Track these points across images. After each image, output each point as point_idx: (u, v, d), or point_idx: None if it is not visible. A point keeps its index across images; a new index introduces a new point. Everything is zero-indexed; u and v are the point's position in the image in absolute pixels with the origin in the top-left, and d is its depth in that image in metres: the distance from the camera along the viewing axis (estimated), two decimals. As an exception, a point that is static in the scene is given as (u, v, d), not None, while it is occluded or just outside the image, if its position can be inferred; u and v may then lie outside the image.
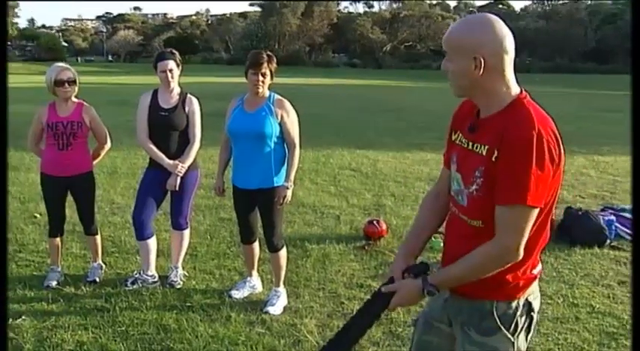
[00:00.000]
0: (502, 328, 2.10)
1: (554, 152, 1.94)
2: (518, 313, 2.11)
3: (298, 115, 4.39)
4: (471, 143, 2.10)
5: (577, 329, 4.18)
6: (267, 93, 4.22)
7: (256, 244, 4.59)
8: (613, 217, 6.32)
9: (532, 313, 2.15)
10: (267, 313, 4.26)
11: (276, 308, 4.31)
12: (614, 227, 6.21)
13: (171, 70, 4.55)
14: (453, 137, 2.24)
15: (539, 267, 2.18)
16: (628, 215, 6.50)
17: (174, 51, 4.80)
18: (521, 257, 2.00)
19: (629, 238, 6.17)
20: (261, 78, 4.11)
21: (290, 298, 4.52)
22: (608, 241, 6.05)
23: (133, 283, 4.67)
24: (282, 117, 4.20)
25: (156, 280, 4.73)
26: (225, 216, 6.54)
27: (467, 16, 2.11)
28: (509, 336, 2.10)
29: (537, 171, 1.90)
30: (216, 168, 4.64)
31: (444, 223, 2.33)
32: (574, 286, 4.97)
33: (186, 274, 4.92)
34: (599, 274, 5.25)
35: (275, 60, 4.22)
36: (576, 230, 6.12)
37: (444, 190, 2.32)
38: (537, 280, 2.19)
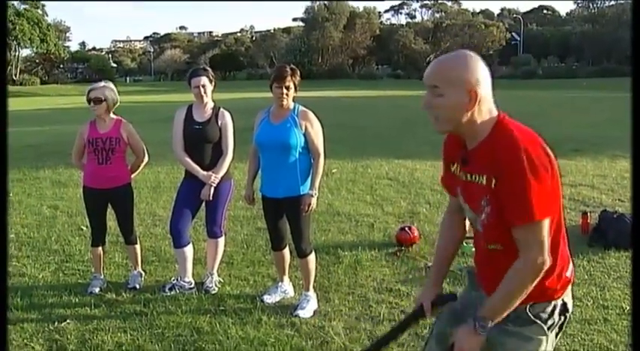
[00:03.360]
0: (537, 321, 2.19)
1: (545, 162, 2.05)
2: (557, 311, 2.21)
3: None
4: (468, 175, 2.21)
5: (605, 331, 4.19)
6: (291, 105, 4.40)
7: (286, 251, 4.76)
8: (650, 220, 6.27)
9: (567, 313, 2.25)
10: (296, 316, 4.40)
11: (305, 311, 4.46)
12: (650, 230, 6.15)
13: (204, 86, 4.77)
14: (452, 169, 2.35)
15: (571, 268, 2.29)
16: (666, 218, 6.44)
17: (207, 67, 5.05)
18: (550, 262, 2.10)
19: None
20: (285, 91, 4.29)
21: (320, 302, 4.67)
22: (644, 243, 6.00)
23: (170, 289, 4.88)
24: (306, 128, 4.37)
25: (192, 286, 4.94)
26: (262, 226, 6.65)
27: (449, 53, 2.19)
28: (545, 329, 2.20)
29: (536, 185, 2.01)
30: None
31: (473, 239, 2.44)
32: (605, 288, 4.97)
33: (222, 280, 5.11)
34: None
35: (299, 73, 4.40)
36: (611, 233, 6.09)
37: (455, 210, 2.46)
38: (571, 283, 2.29)
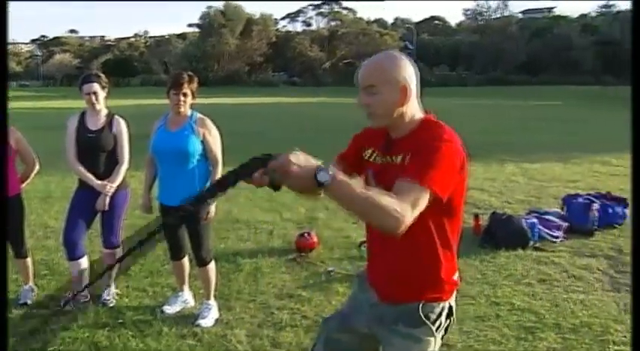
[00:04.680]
0: (427, 322, 2.26)
1: (460, 159, 2.15)
2: (444, 314, 2.29)
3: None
4: (387, 157, 2.27)
5: (497, 326, 4.39)
6: (189, 112, 4.35)
7: (186, 260, 4.69)
8: (535, 220, 6.63)
9: (452, 316, 2.34)
10: (198, 326, 4.35)
11: (207, 321, 4.41)
12: (536, 229, 6.51)
13: (95, 93, 4.63)
14: (366, 155, 2.39)
15: (457, 273, 2.37)
16: (550, 218, 6.84)
17: (99, 73, 4.89)
18: (402, 231, 1.91)
19: (551, 239, 6.49)
20: (182, 98, 4.24)
21: (221, 310, 4.63)
22: (531, 242, 6.34)
23: (65, 304, 4.70)
24: (204, 135, 4.33)
25: (88, 299, 4.78)
26: (160, 235, 6.58)
27: (382, 52, 2.31)
28: (433, 330, 2.27)
29: (444, 165, 2.07)
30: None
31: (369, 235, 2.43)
32: (497, 286, 5.20)
33: (119, 292, 4.97)
34: (521, 274, 5.51)
35: (196, 80, 4.36)
36: (500, 233, 6.40)
37: None
38: (456, 288, 2.37)
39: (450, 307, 2.33)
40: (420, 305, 2.25)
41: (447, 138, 2.13)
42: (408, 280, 2.28)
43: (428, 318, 2.26)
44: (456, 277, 2.35)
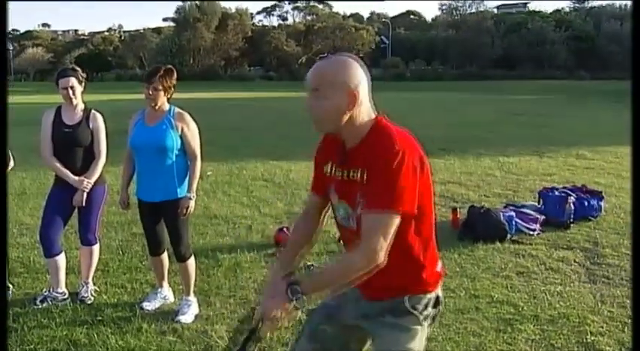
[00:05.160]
0: (414, 312, 2.29)
1: (416, 163, 2.13)
2: (430, 304, 2.32)
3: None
4: (345, 172, 2.25)
5: (477, 318, 4.43)
6: (166, 106, 4.31)
7: (165, 256, 4.66)
8: (513, 214, 6.69)
9: (439, 306, 2.38)
10: (178, 322, 4.32)
11: (187, 317, 4.39)
12: (514, 222, 6.56)
13: (72, 87, 4.57)
14: (326, 170, 2.37)
15: (440, 264, 2.41)
16: (527, 211, 6.91)
17: (76, 67, 4.83)
18: (384, 261, 2.10)
19: (528, 231, 6.55)
20: (152, 92, 4.19)
21: (201, 306, 4.60)
22: (509, 235, 6.39)
23: (42, 302, 4.64)
24: (182, 129, 4.30)
25: (66, 297, 4.72)
26: (138, 231, 6.49)
27: (331, 56, 2.26)
28: (420, 319, 2.30)
29: (399, 181, 2.07)
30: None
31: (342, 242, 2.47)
32: (475, 279, 5.24)
33: (97, 289, 4.92)
34: (499, 267, 5.55)
35: (173, 75, 4.30)
36: (479, 227, 6.45)
37: (312, 210, 2.52)
38: (441, 277, 2.41)
39: (437, 297, 2.36)
40: (406, 298, 2.28)
41: (398, 149, 2.10)
42: (387, 283, 2.26)
43: (415, 308, 2.29)
44: (439, 268, 2.39)
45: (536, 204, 7.37)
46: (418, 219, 2.23)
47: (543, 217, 6.83)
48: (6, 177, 4.38)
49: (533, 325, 4.31)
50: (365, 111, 2.21)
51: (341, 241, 5.99)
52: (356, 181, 2.18)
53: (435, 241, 2.37)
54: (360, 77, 2.18)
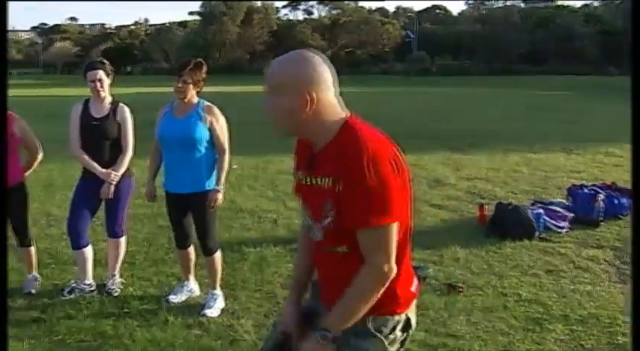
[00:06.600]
0: (378, 335, 2.09)
1: (394, 164, 1.97)
2: (398, 327, 2.12)
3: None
4: (312, 179, 2.07)
5: (505, 317, 4.38)
6: (195, 99, 4.30)
7: (191, 249, 4.66)
8: (541, 211, 6.59)
9: (409, 329, 2.17)
10: (204, 315, 4.33)
11: (213, 310, 4.39)
12: (542, 220, 6.48)
13: (100, 80, 4.58)
14: (297, 176, 2.19)
15: (415, 283, 2.21)
16: (555, 208, 6.80)
17: (104, 60, 4.84)
18: (395, 271, 2.00)
19: (556, 229, 6.45)
20: (181, 84, 4.18)
21: (227, 300, 4.61)
22: (537, 233, 6.31)
23: (69, 293, 4.68)
24: (211, 123, 4.29)
25: (93, 288, 4.75)
26: (164, 224, 6.52)
27: (286, 54, 2.07)
28: (386, 344, 2.10)
29: (381, 189, 1.91)
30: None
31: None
32: (503, 277, 5.18)
33: (124, 281, 4.94)
34: (527, 265, 5.48)
35: (203, 68, 4.29)
36: (506, 224, 6.37)
37: (307, 241, 2.28)
38: (416, 298, 2.21)
39: (407, 320, 2.15)
40: (369, 319, 2.07)
41: (372, 154, 1.91)
42: None
43: (380, 331, 2.09)
44: (413, 287, 2.19)
45: (565, 201, 7.26)
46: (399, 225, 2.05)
47: (572, 214, 6.73)
48: (6, 177, 4.39)
49: (563, 325, 4.24)
50: (328, 111, 2.01)
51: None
52: (326, 188, 1.99)
53: (410, 256, 2.17)
54: (316, 77, 1.97)
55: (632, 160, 2.64)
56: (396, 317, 2.12)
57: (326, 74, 2.00)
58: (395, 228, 1.98)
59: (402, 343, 2.17)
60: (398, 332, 2.13)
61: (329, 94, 2.01)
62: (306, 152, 2.11)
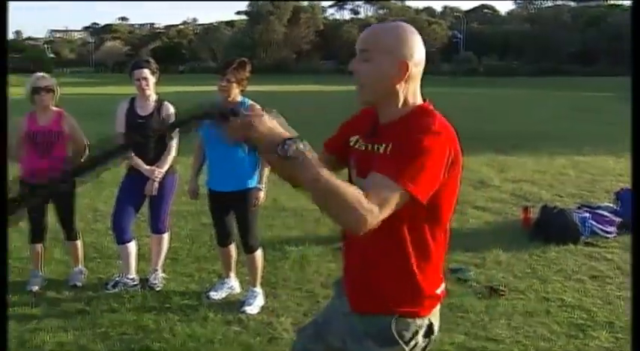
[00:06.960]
0: (400, 342, 2.00)
1: (450, 155, 1.88)
2: (421, 332, 2.04)
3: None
4: (369, 145, 2.01)
5: (547, 322, 4.30)
6: (239, 98, 4.34)
7: (232, 247, 4.70)
8: (587, 215, 6.46)
9: (432, 336, 2.08)
10: (243, 312, 4.36)
11: (252, 308, 4.42)
12: (588, 224, 6.34)
13: (145, 78, 4.67)
14: (351, 141, 2.12)
15: (442, 286, 2.11)
16: (603, 212, 6.65)
17: (149, 59, 4.94)
18: (365, 230, 1.71)
19: (603, 234, 6.31)
20: (225, 83, 4.23)
21: (267, 298, 4.63)
22: (583, 237, 6.18)
23: (113, 287, 4.77)
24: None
25: (136, 283, 4.83)
26: (207, 221, 6.58)
27: (389, 21, 2.03)
28: (406, 349, 2.02)
29: (428, 165, 1.80)
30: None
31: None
32: (547, 281, 5.09)
33: (166, 276, 5.02)
34: (571, 270, 5.37)
35: (247, 67, 4.31)
36: (551, 227, 6.25)
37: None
38: (439, 303, 2.12)
39: (430, 325, 2.06)
40: (393, 321, 1.99)
41: (435, 129, 1.85)
42: (375, 289, 2.03)
43: (401, 336, 1.99)
44: (439, 290, 2.08)
45: (613, 205, 7.09)
46: (429, 224, 1.96)
47: (620, 219, 6.56)
48: (6, 176, 4.48)
49: (607, 332, 4.14)
50: (412, 91, 1.97)
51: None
52: (379, 154, 1.93)
53: (442, 259, 2.07)
54: (416, 50, 1.93)
55: (632, 159, 2.58)
56: (418, 321, 2.03)
57: (421, 52, 1.97)
58: (400, 201, 1.76)
59: (423, 349, 2.08)
60: (420, 338, 2.04)
61: (419, 73, 1.99)
62: (370, 121, 2.06)
